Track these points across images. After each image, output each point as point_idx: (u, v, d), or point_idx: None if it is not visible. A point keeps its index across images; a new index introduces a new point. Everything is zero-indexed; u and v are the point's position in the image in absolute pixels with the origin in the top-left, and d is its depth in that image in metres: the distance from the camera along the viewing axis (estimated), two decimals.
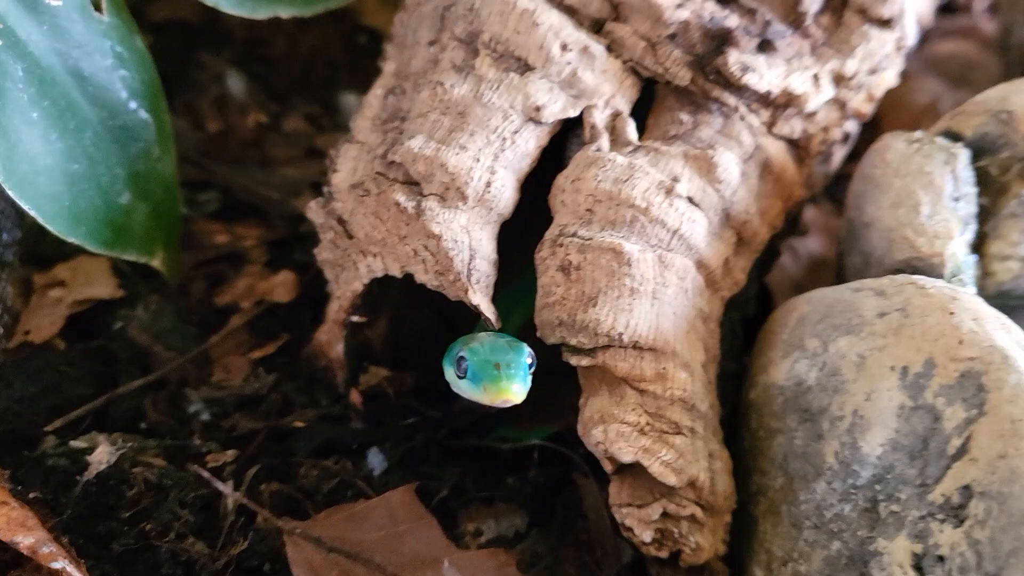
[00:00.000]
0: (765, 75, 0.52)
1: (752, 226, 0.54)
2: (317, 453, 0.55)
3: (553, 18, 0.52)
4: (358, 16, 0.86)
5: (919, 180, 0.51)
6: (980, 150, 0.55)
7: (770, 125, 0.55)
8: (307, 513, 0.51)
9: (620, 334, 0.47)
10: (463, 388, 0.45)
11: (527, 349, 0.46)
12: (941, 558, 0.39)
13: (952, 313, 0.43)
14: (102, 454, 0.51)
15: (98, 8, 0.53)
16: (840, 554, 0.43)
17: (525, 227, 0.53)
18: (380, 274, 0.53)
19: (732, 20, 0.53)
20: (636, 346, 0.48)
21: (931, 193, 0.51)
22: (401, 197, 0.51)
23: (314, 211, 0.56)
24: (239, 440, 0.55)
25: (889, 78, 0.61)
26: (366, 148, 0.55)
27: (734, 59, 0.51)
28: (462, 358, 0.45)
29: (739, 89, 0.52)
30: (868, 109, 0.60)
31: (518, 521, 0.53)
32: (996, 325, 0.42)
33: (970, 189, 0.53)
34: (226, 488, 0.49)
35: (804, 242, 0.76)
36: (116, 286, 0.63)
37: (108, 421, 0.56)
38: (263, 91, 0.83)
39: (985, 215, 0.56)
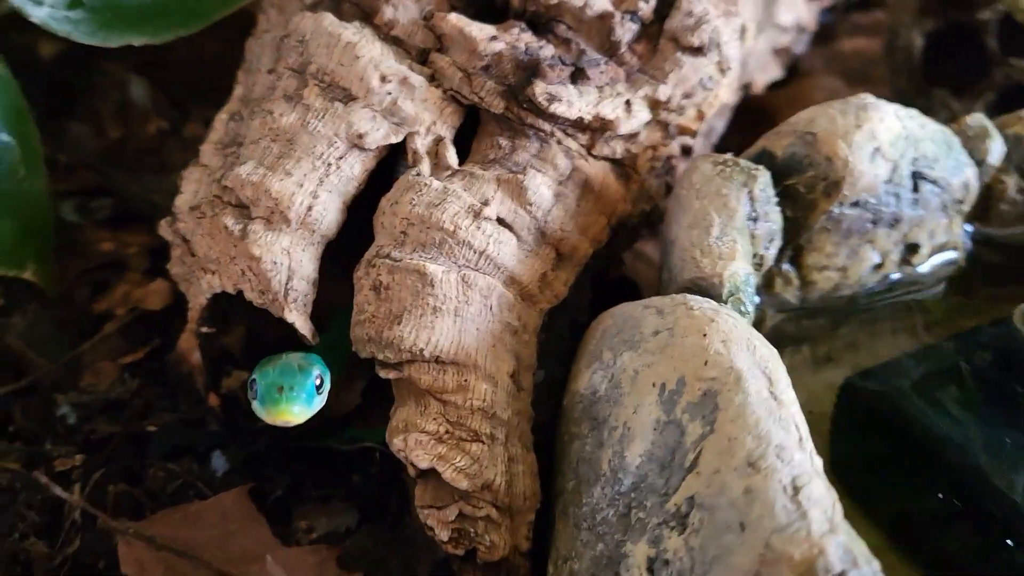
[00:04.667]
0: (575, 103, 0.55)
1: (570, 242, 0.57)
2: (169, 456, 0.59)
3: (375, 51, 0.55)
4: None
5: (715, 202, 0.54)
6: (789, 169, 0.58)
7: (589, 147, 0.58)
8: (146, 514, 0.55)
9: (421, 350, 0.51)
10: (256, 409, 0.49)
11: (316, 371, 0.50)
12: (667, 562, 0.43)
13: (705, 335, 0.46)
14: None
15: None
16: (602, 555, 0.47)
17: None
18: (219, 290, 0.57)
19: (547, 51, 0.56)
20: (438, 360, 0.52)
21: (724, 215, 0.54)
22: (229, 220, 0.55)
23: (164, 229, 0.59)
24: (96, 444, 0.59)
25: (723, 95, 0.64)
26: (208, 171, 0.58)
27: (540, 90, 0.54)
28: (253, 381, 0.49)
29: (551, 116, 0.55)
30: (697, 127, 0.63)
31: (349, 518, 0.57)
32: (743, 347, 0.46)
33: (770, 208, 0.57)
34: (62, 491, 0.53)
35: None
36: None
37: None
38: (166, 97, 0.86)
39: (798, 229, 0.60)
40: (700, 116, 0.63)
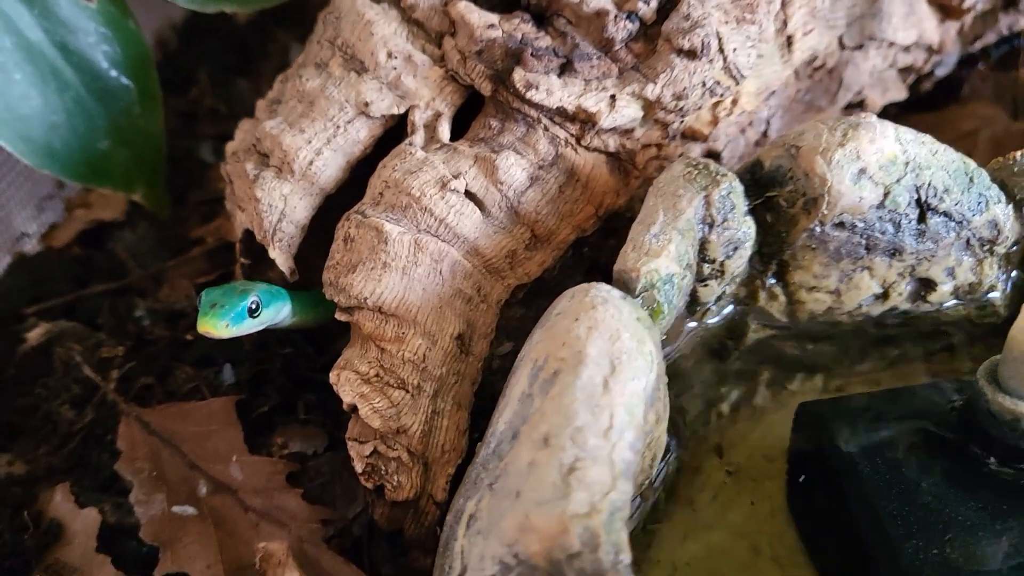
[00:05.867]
0: (556, 92, 0.58)
1: (547, 225, 0.60)
2: (197, 363, 0.69)
3: (388, 30, 0.61)
4: None
5: (667, 201, 0.55)
6: (772, 181, 0.58)
7: (579, 138, 0.60)
8: (153, 404, 0.65)
9: (366, 299, 0.57)
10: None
11: (253, 297, 0.56)
12: (477, 519, 0.45)
13: (577, 319, 0.48)
14: (36, 335, 0.69)
15: None
16: (460, 510, 0.50)
17: None
18: (247, 226, 0.66)
19: (543, 42, 0.59)
20: (381, 310, 0.57)
21: (670, 214, 0.55)
22: (250, 166, 0.63)
23: (223, 169, 0.69)
24: (146, 342, 0.70)
25: (745, 103, 0.64)
26: (255, 123, 0.67)
27: (519, 76, 0.58)
28: (200, 296, 0.57)
29: (531, 103, 0.59)
30: (708, 131, 0.63)
31: (319, 443, 0.64)
32: (605, 335, 0.47)
33: (734, 215, 0.56)
34: (91, 372, 0.65)
35: None
36: (123, 212, 0.81)
37: (76, 313, 0.74)
38: None
39: (781, 244, 0.59)
40: (714, 121, 0.63)
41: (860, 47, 0.76)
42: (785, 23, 0.64)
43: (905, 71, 0.82)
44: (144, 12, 0.76)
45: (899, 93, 0.82)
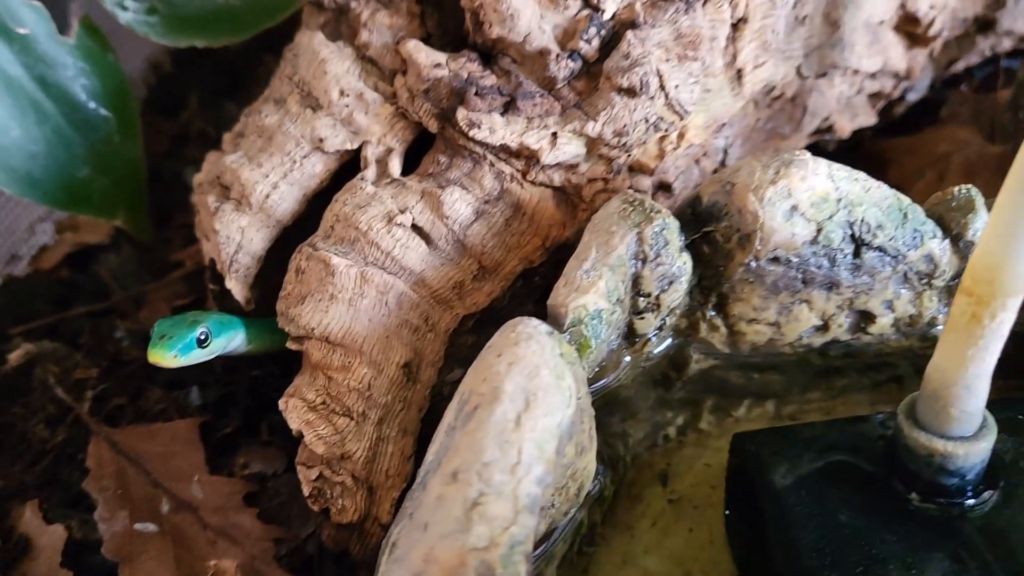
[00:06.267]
0: (498, 130, 0.60)
1: (493, 257, 0.62)
2: (169, 384, 0.72)
3: (341, 68, 0.63)
4: None
5: (599, 237, 0.57)
6: (710, 216, 0.59)
7: (524, 173, 0.62)
8: (122, 424, 0.68)
9: (313, 329, 0.59)
10: None
11: (202, 328, 0.59)
12: (397, 545, 0.48)
13: (500, 355, 0.50)
14: (17, 356, 0.72)
15: (64, 33, 0.73)
16: (388, 536, 0.52)
17: None
18: (211, 255, 0.68)
19: (488, 80, 0.61)
20: (328, 340, 0.59)
21: (602, 250, 0.56)
22: (211, 198, 0.66)
23: (192, 199, 0.72)
24: (121, 363, 0.73)
25: (693, 136, 0.65)
26: (220, 156, 0.70)
27: (462, 115, 0.60)
28: (153, 327, 0.59)
29: (474, 141, 0.61)
30: (654, 164, 0.64)
31: (279, 464, 0.67)
32: (524, 371, 0.49)
33: (667, 251, 0.58)
34: (62, 393, 0.68)
35: None
36: (108, 235, 0.84)
37: (59, 334, 0.77)
38: None
39: (719, 277, 0.60)
40: (660, 154, 0.65)
41: (824, 75, 0.77)
42: (735, 57, 0.66)
43: (874, 97, 0.83)
44: (139, 36, 0.78)
45: (869, 118, 0.83)
